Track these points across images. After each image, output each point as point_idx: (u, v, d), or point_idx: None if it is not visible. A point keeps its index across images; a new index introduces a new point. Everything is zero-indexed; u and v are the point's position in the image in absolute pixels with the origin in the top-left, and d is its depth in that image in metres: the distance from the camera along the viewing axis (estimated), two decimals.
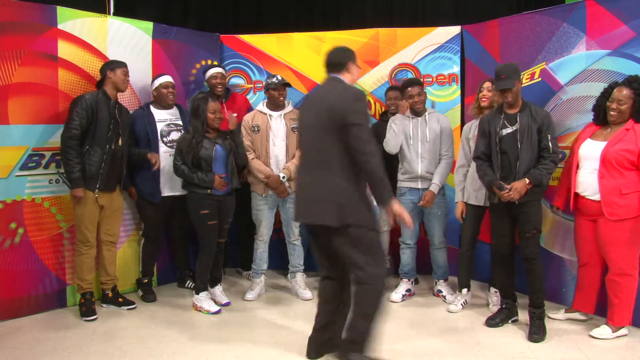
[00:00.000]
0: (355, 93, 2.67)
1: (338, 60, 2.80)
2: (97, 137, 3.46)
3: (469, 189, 3.65)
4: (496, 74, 3.18)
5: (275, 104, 3.85)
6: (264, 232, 3.95)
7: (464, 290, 3.73)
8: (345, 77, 2.77)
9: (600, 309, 3.33)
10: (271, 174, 3.80)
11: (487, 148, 3.30)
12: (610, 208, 3.07)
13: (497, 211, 3.30)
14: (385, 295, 2.74)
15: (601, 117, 3.20)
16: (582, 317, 3.40)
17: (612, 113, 3.10)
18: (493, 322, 3.38)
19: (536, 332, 3.18)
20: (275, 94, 3.82)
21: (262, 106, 3.91)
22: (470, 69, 4.37)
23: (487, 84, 3.58)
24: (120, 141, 3.58)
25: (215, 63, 4.58)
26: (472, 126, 3.68)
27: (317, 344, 2.91)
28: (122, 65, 3.62)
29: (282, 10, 5.65)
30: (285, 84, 3.84)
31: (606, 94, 3.16)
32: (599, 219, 3.14)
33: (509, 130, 3.21)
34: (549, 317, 3.42)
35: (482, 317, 3.48)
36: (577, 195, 3.25)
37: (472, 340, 3.18)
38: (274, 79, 3.81)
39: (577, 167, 3.25)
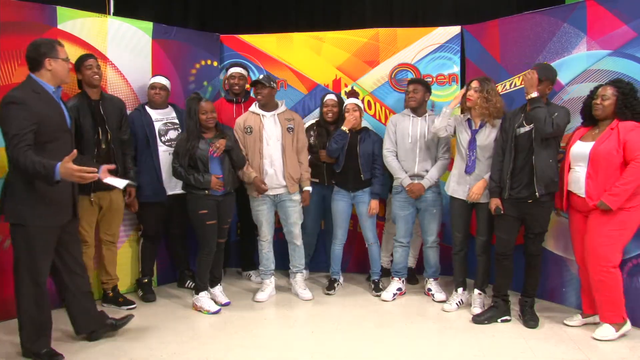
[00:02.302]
0: (2, 101, 2.65)
1: (32, 56, 2.74)
2: (84, 143, 3.40)
3: (454, 185, 3.64)
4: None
5: (259, 102, 3.83)
6: (266, 232, 3.93)
7: (460, 290, 3.74)
8: (43, 76, 2.73)
9: None
10: (255, 175, 3.76)
11: (505, 144, 3.38)
12: (595, 199, 3.09)
13: (505, 208, 3.36)
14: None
15: (587, 117, 3.26)
16: (597, 320, 3.32)
17: (596, 108, 3.14)
18: (479, 319, 3.42)
19: (532, 319, 3.37)
20: (255, 92, 3.81)
21: (254, 107, 3.88)
22: (470, 69, 4.36)
23: (475, 84, 3.53)
24: (108, 136, 3.51)
25: (216, 63, 4.59)
26: (458, 119, 3.64)
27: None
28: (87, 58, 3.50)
29: (282, 10, 5.66)
30: (259, 82, 3.74)
31: (592, 95, 3.21)
32: (590, 214, 3.16)
33: (525, 129, 3.27)
34: (565, 325, 3.37)
35: None
36: (570, 193, 3.28)
37: (472, 340, 3.18)
38: (257, 78, 3.76)
39: (569, 167, 3.28)
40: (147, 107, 3.91)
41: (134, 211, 3.86)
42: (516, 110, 3.40)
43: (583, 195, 3.16)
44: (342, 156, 3.94)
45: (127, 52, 3.99)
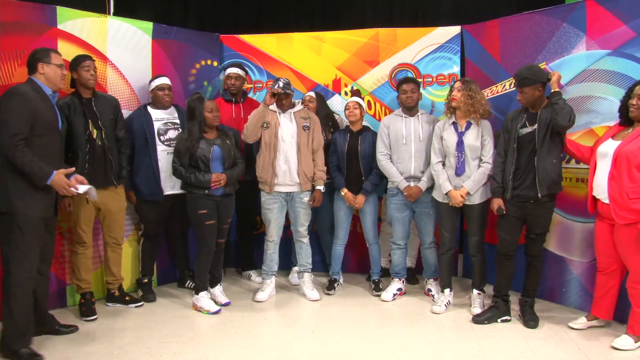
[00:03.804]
0: (6, 92, 2.85)
1: (29, 60, 2.97)
2: (76, 140, 3.43)
3: (442, 190, 3.62)
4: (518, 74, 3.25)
5: (281, 108, 3.85)
6: (274, 233, 3.93)
7: (447, 291, 3.74)
8: (39, 79, 2.92)
9: (617, 313, 3.27)
10: (265, 104, 3.72)
11: (507, 145, 3.36)
12: (620, 211, 2.97)
13: (508, 208, 3.35)
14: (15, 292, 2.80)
15: (624, 116, 3.11)
16: (601, 324, 3.32)
17: (632, 109, 3.01)
18: (479, 319, 3.42)
19: (532, 319, 3.37)
20: (277, 102, 3.82)
21: (272, 105, 3.88)
22: (470, 69, 4.37)
23: (458, 84, 3.55)
24: (103, 134, 3.50)
25: (216, 63, 4.59)
26: (445, 125, 3.63)
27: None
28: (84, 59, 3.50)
29: (282, 10, 5.66)
30: (282, 94, 3.74)
31: (629, 92, 3.06)
32: (616, 223, 3.04)
33: (528, 129, 3.25)
34: (570, 328, 3.32)
35: None
36: (595, 198, 3.17)
37: (471, 340, 3.18)
38: (275, 86, 3.74)
39: (595, 168, 3.17)
40: (149, 107, 3.90)
41: (133, 203, 3.88)
42: (518, 111, 3.39)
43: (607, 201, 3.05)
44: (343, 162, 3.96)
45: (127, 52, 4.00)
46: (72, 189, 2.79)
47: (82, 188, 2.88)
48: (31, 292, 2.88)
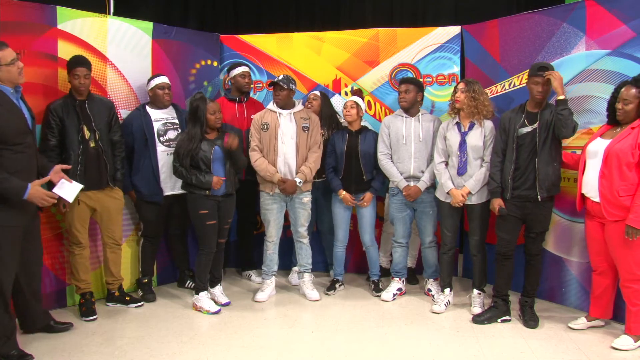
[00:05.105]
0: None
1: None
2: (69, 141, 3.42)
3: (444, 190, 3.63)
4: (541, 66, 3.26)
5: (277, 103, 3.85)
6: (273, 233, 3.93)
7: (447, 291, 3.75)
8: None
9: (617, 313, 3.28)
10: (280, 177, 3.76)
11: (505, 144, 3.36)
12: (610, 208, 3.00)
13: (508, 208, 3.35)
14: None
15: (612, 116, 3.13)
16: (601, 323, 3.32)
17: (618, 112, 3.04)
18: (479, 319, 3.43)
19: (532, 319, 3.38)
20: (273, 93, 3.83)
21: (271, 105, 3.89)
22: (470, 69, 4.37)
23: (461, 85, 3.55)
24: (96, 136, 3.50)
25: (216, 63, 4.59)
26: (449, 125, 3.63)
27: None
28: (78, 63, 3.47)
29: (282, 10, 5.66)
30: (277, 84, 3.76)
31: (615, 93, 3.08)
32: (606, 221, 3.06)
33: (528, 129, 3.26)
34: (570, 328, 3.31)
35: None
36: (584, 196, 3.19)
37: (471, 340, 3.18)
38: (275, 79, 3.80)
39: (585, 166, 3.18)
40: (147, 107, 3.90)
41: (134, 201, 3.87)
42: (515, 110, 3.39)
43: (595, 200, 3.07)
44: (342, 162, 3.94)
45: (127, 52, 4.00)
46: (52, 200, 2.73)
47: (70, 193, 2.85)
48: (7, 303, 2.80)
